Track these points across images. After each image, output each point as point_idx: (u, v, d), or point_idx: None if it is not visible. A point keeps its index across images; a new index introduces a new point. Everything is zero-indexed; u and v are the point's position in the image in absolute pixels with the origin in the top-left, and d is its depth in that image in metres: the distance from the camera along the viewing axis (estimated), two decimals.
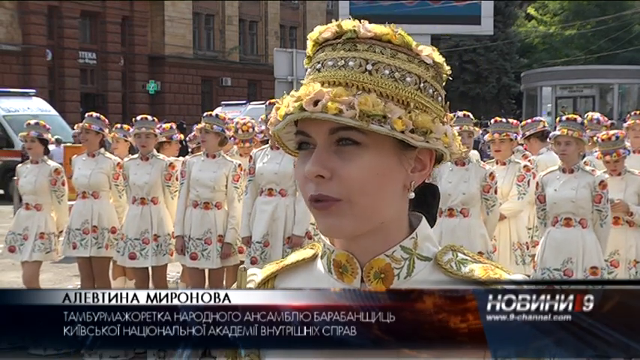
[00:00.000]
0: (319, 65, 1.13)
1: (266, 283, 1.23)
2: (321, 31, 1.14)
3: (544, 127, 7.26)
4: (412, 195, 1.15)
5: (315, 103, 1.06)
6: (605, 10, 34.68)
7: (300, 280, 1.20)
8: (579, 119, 5.33)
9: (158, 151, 6.61)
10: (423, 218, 1.18)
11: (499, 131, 6.12)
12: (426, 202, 1.21)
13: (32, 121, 6.71)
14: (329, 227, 1.10)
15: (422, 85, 1.12)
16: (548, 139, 6.41)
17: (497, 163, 6.21)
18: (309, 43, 1.16)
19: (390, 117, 1.06)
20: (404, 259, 1.13)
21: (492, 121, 6.42)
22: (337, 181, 1.08)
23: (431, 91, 1.13)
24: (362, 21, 1.13)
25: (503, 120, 6.40)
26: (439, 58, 1.14)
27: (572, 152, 5.18)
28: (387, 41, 1.11)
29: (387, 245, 1.13)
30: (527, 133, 7.21)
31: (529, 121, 7.57)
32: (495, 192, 5.47)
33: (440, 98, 1.15)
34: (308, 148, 1.11)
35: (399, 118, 1.07)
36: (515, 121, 7.14)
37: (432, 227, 1.20)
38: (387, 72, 1.09)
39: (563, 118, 5.39)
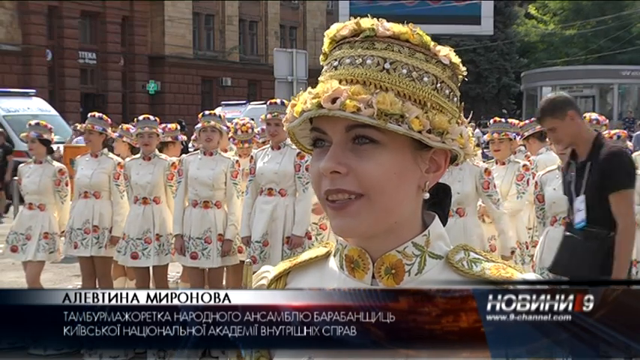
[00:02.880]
0: (336, 63, 1.12)
1: (279, 280, 1.23)
2: (338, 29, 1.14)
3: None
4: (427, 195, 1.15)
5: (333, 100, 1.06)
6: (605, 10, 34.67)
7: (312, 278, 1.20)
8: None
9: (162, 151, 6.63)
10: (436, 217, 1.17)
11: (498, 131, 6.13)
12: (439, 201, 1.21)
13: (33, 122, 6.75)
14: (344, 227, 1.10)
15: (439, 85, 1.12)
16: (547, 139, 6.41)
17: (496, 163, 6.21)
18: (326, 40, 1.15)
19: (407, 116, 1.06)
20: (415, 255, 1.13)
21: (492, 121, 6.43)
22: (353, 178, 1.08)
23: (447, 91, 1.13)
24: (380, 19, 1.13)
25: (503, 120, 6.41)
26: (456, 59, 1.15)
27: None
28: (405, 40, 1.11)
29: (399, 242, 1.13)
30: (526, 134, 7.20)
31: (527, 121, 7.56)
32: (495, 187, 5.49)
33: (455, 99, 1.15)
34: (323, 146, 1.11)
35: (417, 117, 1.07)
36: (514, 121, 7.13)
37: (443, 226, 1.20)
38: (404, 71, 1.09)
39: None
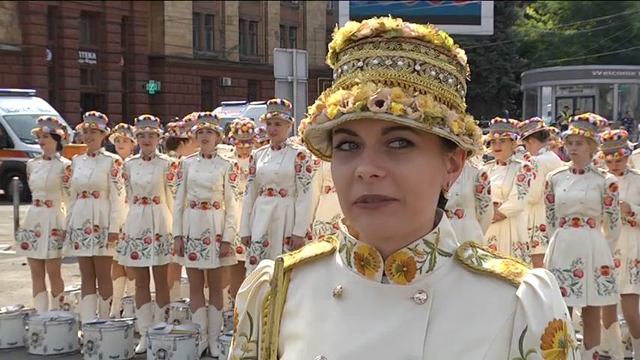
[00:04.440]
0: (361, 63, 1.09)
1: (282, 276, 1.20)
2: (359, 28, 1.10)
3: (542, 127, 7.25)
4: (449, 195, 1.15)
5: (379, 103, 1.03)
6: (605, 10, 34.66)
7: (318, 274, 1.18)
8: (592, 119, 5.25)
9: (176, 148, 6.67)
10: (444, 214, 1.16)
11: (499, 131, 6.12)
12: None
13: (44, 117, 6.82)
14: (379, 225, 1.07)
15: (458, 86, 1.12)
16: (560, 139, 6.39)
17: (497, 163, 6.21)
18: (339, 38, 1.12)
19: (447, 119, 1.06)
20: (426, 252, 1.11)
21: (492, 121, 6.41)
22: (391, 181, 1.06)
23: (462, 92, 1.13)
24: (400, 20, 1.11)
25: (504, 120, 6.39)
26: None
27: (583, 152, 5.14)
28: (428, 41, 1.09)
29: (411, 240, 1.11)
30: (526, 134, 7.19)
31: (527, 121, 7.56)
32: (489, 192, 5.43)
33: (463, 99, 1.15)
34: (352, 149, 1.08)
35: (455, 120, 1.07)
36: (514, 121, 7.12)
37: None
38: (433, 73, 1.08)
39: (576, 117, 5.38)
